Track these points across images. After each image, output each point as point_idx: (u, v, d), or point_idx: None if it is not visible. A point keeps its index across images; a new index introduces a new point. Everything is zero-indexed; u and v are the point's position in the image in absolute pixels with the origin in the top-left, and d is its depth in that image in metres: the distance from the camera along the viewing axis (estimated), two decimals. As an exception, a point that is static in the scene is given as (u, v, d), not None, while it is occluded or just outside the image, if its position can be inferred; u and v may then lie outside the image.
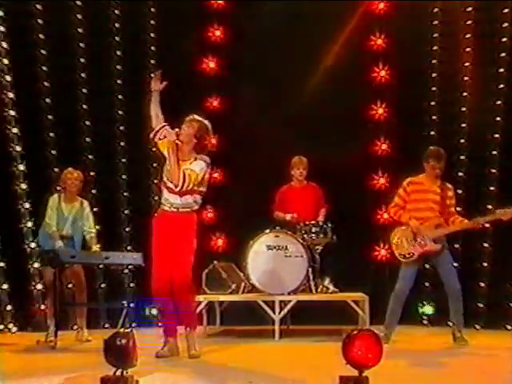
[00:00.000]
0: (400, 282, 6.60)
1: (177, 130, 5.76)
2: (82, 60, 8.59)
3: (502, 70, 8.10)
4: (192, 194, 5.78)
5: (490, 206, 7.72)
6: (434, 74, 8.51)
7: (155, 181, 8.41)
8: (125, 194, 8.63)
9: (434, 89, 8.50)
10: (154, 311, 8.20)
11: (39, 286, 7.93)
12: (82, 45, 8.60)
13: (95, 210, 7.94)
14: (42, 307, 7.78)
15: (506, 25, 8.10)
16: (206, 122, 5.90)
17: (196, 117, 5.87)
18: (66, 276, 7.07)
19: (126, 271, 8.28)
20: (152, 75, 6.04)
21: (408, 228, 6.56)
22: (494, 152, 8.05)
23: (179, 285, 5.73)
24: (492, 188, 7.95)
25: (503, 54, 8.09)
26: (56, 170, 8.21)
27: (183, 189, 5.67)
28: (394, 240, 6.65)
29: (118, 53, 8.76)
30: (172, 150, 5.71)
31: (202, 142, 5.87)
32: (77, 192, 7.33)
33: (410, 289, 6.62)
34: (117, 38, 8.76)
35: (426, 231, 6.46)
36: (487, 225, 7.76)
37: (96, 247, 7.17)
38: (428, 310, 8.25)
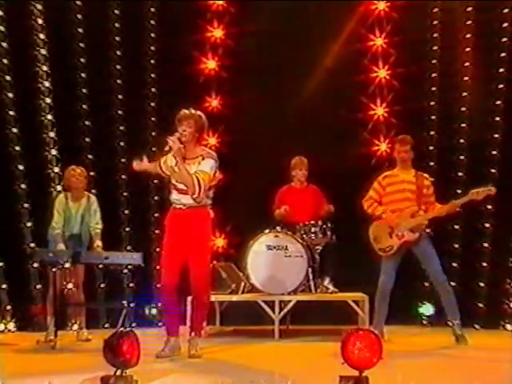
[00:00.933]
0: (382, 277, 6.68)
1: (177, 134, 5.71)
2: (82, 60, 8.59)
3: (501, 70, 8.10)
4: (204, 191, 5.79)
5: (489, 206, 7.73)
6: (433, 74, 8.51)
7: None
8: (124, 193, 8.62)
9: (433, 89, 8.50)
10: (154, 311, 8.21)
11: (39, 286, 7.95)
12: (81, 45, 8.59)
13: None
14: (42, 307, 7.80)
15: (505, 25, 8.10)
16: (198, 112, 5.87)
17: (188, 112, 5.79)
18: (65, 275, 7.06)
19: (126, 271, 8.28)
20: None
21: (384, 221, 6.61)
22: (494, 152, 8.05)
23: (198, 282, 5.76)
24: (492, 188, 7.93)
25: (503, 54, 8.08)
26: (56, 169, 8.22)
27: (201, 194, 5.66)
28: (372, 235, 6.72)
29: (118, 53, 8.76)
30: (180, 158, 5.67)
31: (203, 134, 5.89)
32: (83, 188, 7.32)
33: (393, 283, 6.65)
34: (117, 38, 8.76)
35: (401, 222, 6.50)
36: (487, 224, 7.83)
37: (98, 243, 7.14)
38: (427, 309, 8.24)
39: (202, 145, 6.00)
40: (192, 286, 5.81)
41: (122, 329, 3.98)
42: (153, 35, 8.91)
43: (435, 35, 8.52)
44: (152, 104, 8.85)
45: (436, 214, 6.63)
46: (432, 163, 8.26)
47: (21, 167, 8.23)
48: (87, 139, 8.54)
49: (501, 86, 8.09)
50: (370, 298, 7.19)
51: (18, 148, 8.25)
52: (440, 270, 6.58)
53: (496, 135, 8.06)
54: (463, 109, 8.30)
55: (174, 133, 5.76)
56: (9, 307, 7.91)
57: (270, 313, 7.12)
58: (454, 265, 8.00)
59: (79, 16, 8.60)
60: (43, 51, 8.43)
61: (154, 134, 8.75)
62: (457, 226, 8.04)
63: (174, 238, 5.81)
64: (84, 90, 8.58)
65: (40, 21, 8.43)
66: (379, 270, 8.31)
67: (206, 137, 5.94)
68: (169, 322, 5.92)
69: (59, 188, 8.08)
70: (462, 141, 8.27)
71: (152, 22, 8.92)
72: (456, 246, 8.06)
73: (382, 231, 6.65)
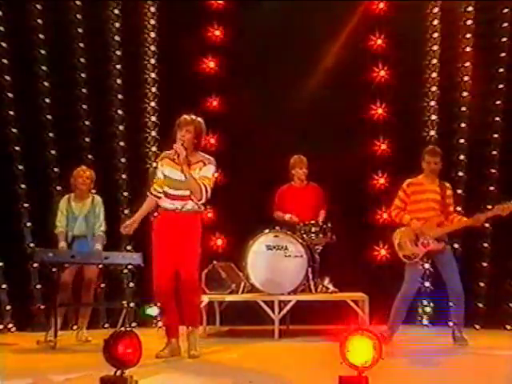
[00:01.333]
0: (406, 285, 6.59)
1: (180, 141, 5.72)
2: (82, 60, 8.59)
3: (501, 70, 8.09)
4: None
5: (490, 206, 7.72)
6: (433, 74, 8.51)
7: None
8: (124, 193, 8.62)
9: (433, 89, 8.50)
10: (154, 311, 8.19)
11: (39, 286, 7.96)
12: (81, 44, 8.59)
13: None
14: (42, 307, 7.81)
15: (505, 25, 8.10)
16: (199, 119, 5.89)
17: (188, 118, 5.82)
18: (66, 275, 7.05)
19: (126, 271, 8.27)
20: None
21: (409, 229, 6.57)
22: (494, 152, 8.05)
23: (187, 284, 5.77)
24: (492, 188, 7.94)
25: (503, 54, 8.08)
26: (56, 170, 8.23)
27: (207, 198, 5.75)
28: (396, 241, 6.66)
29: (118, 53, 8.75)
30: (186, 166, 5.70)
31: (201, 140, 5.90)
32: (87, 190, 7.35)
33: (416, 290, 6.64)
34: (116, 38, 8.75)
35: (428, 230, 6.47)
36: (487, 224, 7.83)
37: (98, 246, 7.15)
38: (428, 309, 8.24)
39: (203, 146, 6.02)
40: (182, 288, 5.80)
41: (120, 329, 3.96)
42: (152, 35, 8.91)
43: (435, 35, 8.53)
44: (152, 104, 8.85)
45: (461, 226, 6.63)
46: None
47: (21, 167, 8.23)
48: (87, 139, 8.55)
49: (501, 85, 8.09)
50: (370, 298, 7.19)
51: (18, 148, 8.26)
52: (458, 280, 6.55)
53: (496, 135, 8.05)
54: (463, 109, 8.29)
55: (173, 135, 5.81)
56: (9, 307, 7.92)
57: (269, 313, 7.12)
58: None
59: (79, 16, 8.60)
60: (43, 51, 8.44)
61: (153, 133, 8.76)
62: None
63: (166, 241, 5.79)
64: (84, 90, 8.58)
65: (40, 21, 8.44)
66: (379, 270, 8.39)
67: (203, 141, 5.95)
68: (168, 323, 5.93)
69: (59, 188, 8.09)
70: (461, 141, 8.27)
71: (152, 21, 8.92)
72: (456, 245, 8.04)
73: (406, 238, 6.58)
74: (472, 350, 6.21)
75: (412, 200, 6.65)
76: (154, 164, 8.24)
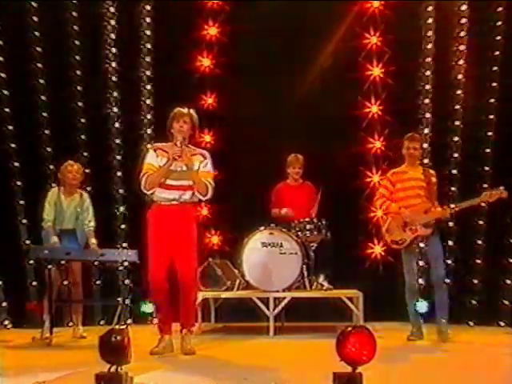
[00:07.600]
0: (407, 277, 6.70)
1: (178, 144, 5.75)
2: (77, 57, 8.60)
3: (495, 68, 8.13)
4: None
5: (483, 204, 7.75)
6: (427, 72, 8.52)
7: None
8: (120, 190, 8.63)
9: (427, 87, 8.51)
10: (149, 308, 8.23)
11: (35, 283, 7.97)
12: (77, 42, 8.60)
13: (90, 206, 7.96)
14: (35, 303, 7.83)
15: (499, 23, 8.13)
16: (191, 110, 5.94)
17: (184, 110, 5.88)
18: (61, 272, 7.06)
19: (121, 268, 8.28)
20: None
21: (398, 215, 6.68)
22: (488, 150, 8.09)
23: (186, 280, 5.77)
24: (485, 185, 7.96)
25: (497, 53, 8.12)
26: (52, 167, 8.24)
27: (211, 195, 5.87)
28: (385, 227, 6.78)
29: (114, 50, 8.76)
30: (187, 158, 5.78)
31: (196, 131, 5.95)
32: (77, 185, 7.34)
33: (418, 279, 6.69)
34: (112, 36, 8.76)
35: (416, 217, 6.57)
36: (481, 222, 7.87)
37: (93, 240, 7.16)
38: (422, 307, 8.25)
39: (197, 142, 6.07)
40: (180, 283, 5.80)
41: (117, 325, 3.97)
42: (148, 33, 8.90)
43: (429, 33, 8.54)
44: (147, 101, 8.85)
45: (443, 215, 6.67)
46: (426, 161, 8.28)
47: (17, 164, 8.24)
48: (83, 136, 8.57)
49: (494, 84, 8.12)
50: (364, 295, 7.22)
51: (13, 145, 8.27)
52: (443, 269, 6.67)
53: (490, 133, 8.10)
54: (457, 107, 8.32)
55: (167, 128, 5.89)
56: (4, 304, 7.93)
57: (264, 310, 7.15)
58: (449, 261, 8.03)
59: (74, 14, 8.61)
60: (38, 48, 8.45)
61: (149, 131, 8.77)
62: (451, 224, 8.07)
63: (162, 235, 5.77)
64: (79, 88, 8.60)
65: (35, 18, 8.45)
66: (373, 268, 8.42)
67: (197, 133, 6.01)
68: (162, 320, 5.92)
69: (54, 185, 8.09)
70: (456, 138, 8.30)
71: (147, 19, 8.91)
72: (450, 243, 8.09)
73: (395, 224, 6.70)
74: (465, 346, 6.25)
75: (398, 188, 6.76)
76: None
